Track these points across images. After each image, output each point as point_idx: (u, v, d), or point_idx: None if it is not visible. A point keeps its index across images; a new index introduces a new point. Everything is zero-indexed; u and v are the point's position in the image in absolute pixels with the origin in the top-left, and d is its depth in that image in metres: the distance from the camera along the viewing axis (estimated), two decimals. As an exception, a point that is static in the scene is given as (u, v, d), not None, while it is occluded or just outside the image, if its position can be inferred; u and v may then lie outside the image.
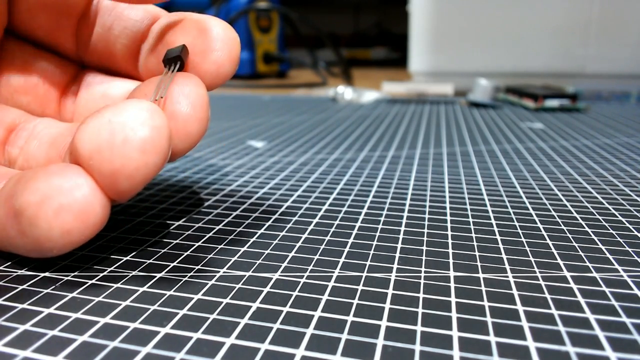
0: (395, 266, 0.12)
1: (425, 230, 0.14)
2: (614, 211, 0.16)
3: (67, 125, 0.14)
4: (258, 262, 0.12)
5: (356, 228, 0.14)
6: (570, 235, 0.14)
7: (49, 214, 0.10)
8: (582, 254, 0.13)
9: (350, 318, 0.10)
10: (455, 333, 0.09)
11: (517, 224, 0.15)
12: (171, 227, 0.15)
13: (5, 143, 0.14)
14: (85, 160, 0.10)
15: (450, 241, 0.13)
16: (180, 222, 0.15)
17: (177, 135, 0.12)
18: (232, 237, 0.14)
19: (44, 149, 0.13)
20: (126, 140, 0.10)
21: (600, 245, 0.13)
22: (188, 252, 0.13)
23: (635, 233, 0.14)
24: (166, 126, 0.11)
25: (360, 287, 0.11)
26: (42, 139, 0.14)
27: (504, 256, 0.13)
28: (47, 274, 0.12)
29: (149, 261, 0.12)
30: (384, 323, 0.09)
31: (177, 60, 0.13)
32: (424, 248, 0.13)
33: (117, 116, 0.10)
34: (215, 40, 0.13)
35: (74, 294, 0.11)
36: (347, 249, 0.13)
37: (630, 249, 0.13)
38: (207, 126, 0.13)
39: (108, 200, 0.11)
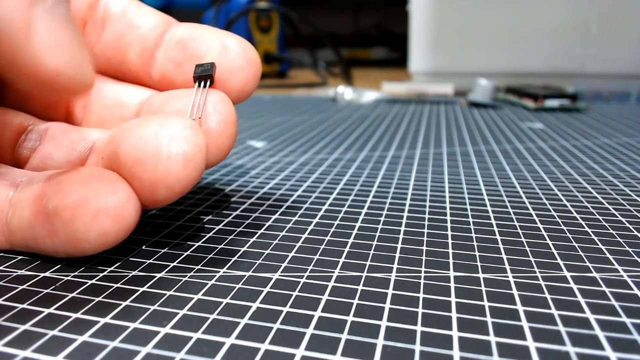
0: (395, 266, 0.12)
1: (425, 230, 0.14)
2: (614, 211, 0.16)
3: (87, 131, 0.14)
4: (258, 262, 0.12)
5: (356, 228, 0.14)
6: (570, 235, 0.14)
7: (87, 216, 0.11)
8: (582, 254, 0.13)
9: (350, 318, 0.10)
10: (455, 333, 0.09)
11: (517, 224, 0.15)
12: (171, 227, 0.15)
13: (14, 144, 0.14)
14: (127, 167, 0.11)
15: (450, 241, 0.13)
16: (180, 222, 0.15)
17: (210, 150, 0.13)
18: (232, 237, 0.14)
19: (63, 152, 0.14)
20: (170, 154, 0.11)
21: (600, 245, 0.13)
22: (188, 252, 0.13)
23: (635, 233, 0.14)
24: (205, 143, 0.12)
25: (360, 287, 0.11)
26: (60, 141, 0.14)
27: (504, 256, 0.13)
28: (47, 274, 0.12)
29: (149, 261, 0.12)
30: (384, 323, 0.09)
31: (208, 78, 0.13)
32: (424, 248, 0.13)
33: (164, 130, 0.11)
34: (241, 59, 0.14)
35: (74, 294, 0.11)
36: (347, 249, 0.13)
37: (630, 249, 0.13)
38: (235, 141, 0.14)
39: (140, 206, 0.11)
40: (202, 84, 0.13)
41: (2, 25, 0.09)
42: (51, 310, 0.10)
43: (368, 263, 0.12)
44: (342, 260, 0.12)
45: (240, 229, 0.14)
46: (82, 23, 0.15)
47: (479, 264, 0.12)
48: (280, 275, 0.12)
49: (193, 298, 0.10)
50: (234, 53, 0.14)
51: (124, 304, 0.10)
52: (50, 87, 0.10)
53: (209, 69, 0.13)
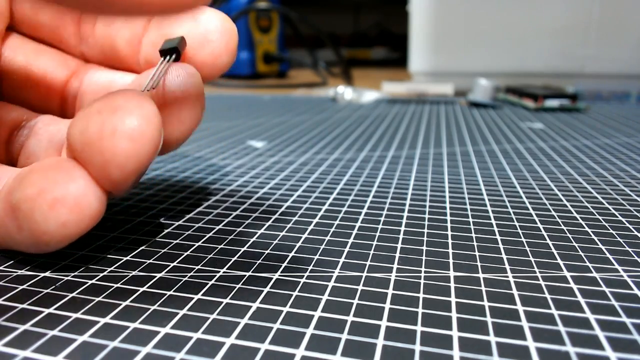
0: (395, 266, 0.12)
1: (425, 230, 0.14)
2: (614, 211, 0.16)
3: (65, 122, 0.14)
4: (259, 262, 0.12)
5: (356, 228, 0.14)
6: (570, 235, 0.14)
7: (44, 207, 0.10)
8: (582, 254, 0.13)
9: (350, 318, 0.10)
10: (455, 333, 0.09)
11: (517, 224, 0.15)
12: (171, 227, 0.15)
13: (7, 142, 0.14)
14: (78, 152, 0.11)
15: (450, 241, 0.13)
16: (180, 222, 0.15)
17: (170, 124, 0.12)
18: (232, 237, 0.14)
19: (43, 147, 0.14)
20: (115, 130, 0.10)
21: (600, 245, 0.13)
22: (188, 252, 0.13)
23: (635, 233, 0.14)
24: (156, 115, 0.11)
25: (360, 287, 0.11)
26: (41, 137, 0.14)
27: (504, 256, 0.13)
28: (47, 274, 0.12)
29: (149, 261, 0.12)
30: (384, 323, 0.09)
31: (173, 51, 0.13)
32: (424, 248, 0.13)
33: (106, 107, 0.10)
34: (212, 31, 0.13)
35: (74, 294, 0.11)
36: (347, 249, 0.13)
37: (630, 249, 0.13)
38: (202, 116, 0.13)
39: (104, 193, 0.11)
40: (168, 58, 0.13)
41: None
42: (51, 310, 0.10)
43: (368, 263, 0.12)
44: (342, 260, 0.12)
45: (240, 229, 0.14)
46: (77, 13, 0.15)
47: (479, 264, 0.12)
48: (280, 275, 0.12)
49: (193, 298, 0.10)
50: (204, 25, 0.13)
51: (124, 304, 0.10)
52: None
53: (176, 42, 0.13)
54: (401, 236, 0.14)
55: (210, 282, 0.11)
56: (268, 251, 0.13)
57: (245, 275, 0.12)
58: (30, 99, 0.15)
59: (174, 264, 0.12)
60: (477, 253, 0.13)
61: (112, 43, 0.15)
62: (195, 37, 0.13)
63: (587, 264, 0.12)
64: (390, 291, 0.11)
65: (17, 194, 0.10)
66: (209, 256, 0.13)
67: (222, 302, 0.10)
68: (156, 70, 0.12)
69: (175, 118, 0.12)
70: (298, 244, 0.13)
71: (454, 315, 0.10)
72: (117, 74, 0.15)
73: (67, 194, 0.10)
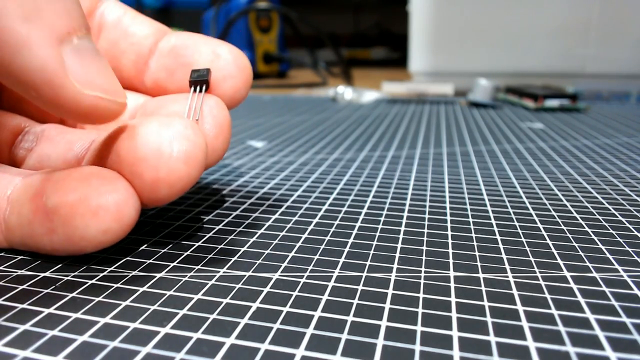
0: (395, 266, 0.12)
1: (425, 230, 0.14)
2: (614, 211, 0.16)
3: (83, 132, 0.15)
4: (258, 262, 0.12)
5: (356, 228, 0.14)
6: (570, 235, 0.14)
7: (86, 214, 0.11)
8: (582, 254, 0.13)
9: (350, 318, 0.10)
10: (455, 333, 0.09)
11: (517, 224, 0.15)
12: (171, 227, 0.15)
13: (11, 145, 0.15)
14: (128, 166, 0.11)
15: (450, 241, 0.13)
16: (180, 222, 0.15)
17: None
18: (232, 237, 0.14)
19: (59, 152, 0.14)
20: (172, 153, 0.11)
21: (600, 245, 0.13)
22: (188, 252, 0.13)
23: (635, 233, 0.14)
24: (204, 143, 0.12)
25: (360, 287, 0.11)
26: (57, 142, 0.14)
27: (504, 256, 0.13)
28: (47, 274, 0.12)
29: (149, 261, 0.12)
30: (384, 323, 0.09)
31: (204, 82, 0.14)
32: (424, 248, 0.13)
33: (165, 129, 0.11)
34: (232, 66, 0.14)
35: (74, 294, 0.11)
36: (347, 249, 0.13)
37: (630, 249, 0.13)
38: (229, 144, 0.14)
39: (140, 204, 0.11)
40: (198, 88, 0.14)
41: (39, 71, 0.10)
42: (51, 310, 0.10)
43: (368, 263, 0.12)
44: (342, 260, 0.12)
45: (240, 229, 0.14)
46: None
47: (479, 264, 0.12)
48: (280, 275, 0.12)
49: (193, 298, 0.10)
50: (225, 60, 0.14)
51: (124, 304, 0.10)
52: (93, 116, 0.11)
53: (205, 74, 0.14)
54: (401, 236, 0.14)
55: (210, 282, 0.11)
56: (268, 251, 0.13)
57: (245, 275, 0.12)
58: (30, 111, 0.15)
59: (174, 264, 0.12)
60: (477, 253, 0.13)
61: (116, 62, 0.15)
62: (217, 70, 0.14)
63: (587, 264, 0.12)
64: (390, 291, 0.11)
65: (55, 198, 0.11)
66: (209, 256, 0.13)
67: (222, 302, 0.10)
68: (191, 101, 0.13)
69: (210, 147, 0.13)
70: (298, 244, 0.13)
71: (454, 315, 0.10)
72: None
73: (111, 203, 0.11)
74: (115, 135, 0.12)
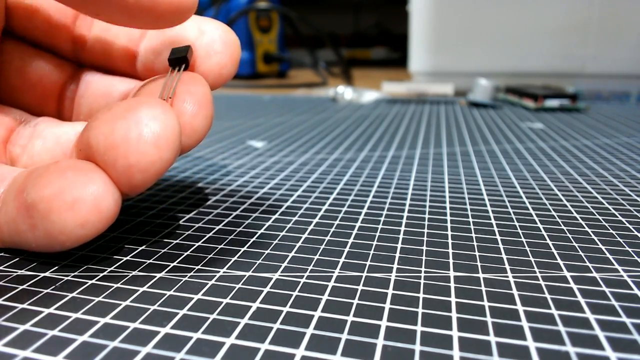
0: (395, 266, 0.12)
1: (425, 230, 0.14)
2: (614, 211, 0.16)
3: (70, 124, 0.14)
4: (258, 262, 0.12)
5: (356, 228, 0.14)
6: (570, 235, 0.14)
7: (63, 207, 0.10)
8: (582, 254, 0.13)
9: (350, 318, 0.10)
10: (455, 333, 0.09)
11: (517, 224, 0.15)
12: (171, 227, 0.15)
13: (6, 142, 0.14)
14: (100, 155, 0.11)
15: (450, 241, 0.13)
16: (180, 222, 0.15)
17: (185, 132, 0.12)
18: (232, 237, 0.14)
19: (48, 148, 0.14)
20: (141, 136, 0.11)
21: (600, 245, 0.13)
22: (188, 252, 0.13)
23: (635, 233, 0.14)
24: (177, 123, 0.11)
25: (360, 287, 0.11)
26: (46, 138, 0.14)
27: (504, 256, 0.13)
28: (47, 274, 0.12)
29: (149, 261, 0.12)
30: (384, 323, 0.09)
31: (183, 60, 0.13)
32: (424, 248, 0.13)
33: (132, 113, 0.11)
34: (218, 42, 0.13)
35: (74, 294, 0.11)
36: (347, 249, 0.13)
37: (630, 249, 0.13)
38: (212, 123, 0.13)
39: (120, 195, 0.11)
40: (178, 67, 0.13)
41: None
42: (51, 310, 0.10)
43: (368, 263, 0.12)
44: (342, 260, 0.12)
45: (240, 229, 0.14)
46: (72, 18, 0.15)
47: (479, 264, 0.12)
48: (280, 275, 0.12)
49: (193, 298, 0.10)
50: (210, 36, 0.14)
51: (124, 304, 0.10)
52: (169, 12, 0.11)
53: (184, 51, 0.13)
54: (401, 236, 0.14)
55: (210, 282, 0.11)
56: (268, 251, 0.13)
57: (245, 275, 0.12)
58: (26, 102, 0.15)
59: (174, 264, 0.12)
60: (477, 253, 0.13)
61: (108, 48, 0.15)
62: (201, 47, 0.13)
63: (587, 264, 0.12)
64: (390, 291, 0.11)
65: (33, 193, 0.11)
66: (209, 256, 0.13)
67: (222, 302, 0.10)
68: (168, 80, 0.13)
69: (189, 126, 0.12)
70: (298, 244, 0.13)
71: (454, 315, 0.10)
72: (115, 79, 0.15)
73: (87, 195, 0.10)
74: (88, 126, 0.11)
